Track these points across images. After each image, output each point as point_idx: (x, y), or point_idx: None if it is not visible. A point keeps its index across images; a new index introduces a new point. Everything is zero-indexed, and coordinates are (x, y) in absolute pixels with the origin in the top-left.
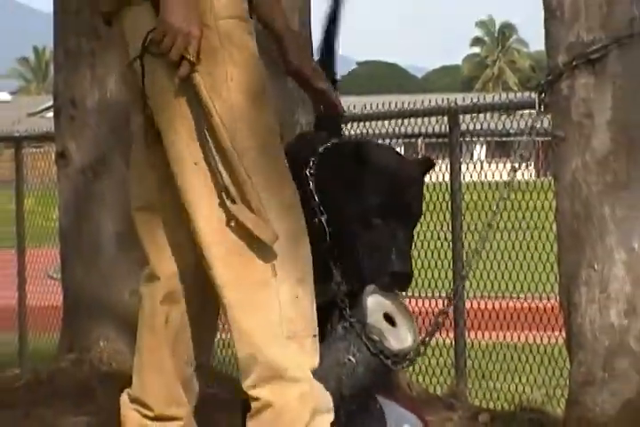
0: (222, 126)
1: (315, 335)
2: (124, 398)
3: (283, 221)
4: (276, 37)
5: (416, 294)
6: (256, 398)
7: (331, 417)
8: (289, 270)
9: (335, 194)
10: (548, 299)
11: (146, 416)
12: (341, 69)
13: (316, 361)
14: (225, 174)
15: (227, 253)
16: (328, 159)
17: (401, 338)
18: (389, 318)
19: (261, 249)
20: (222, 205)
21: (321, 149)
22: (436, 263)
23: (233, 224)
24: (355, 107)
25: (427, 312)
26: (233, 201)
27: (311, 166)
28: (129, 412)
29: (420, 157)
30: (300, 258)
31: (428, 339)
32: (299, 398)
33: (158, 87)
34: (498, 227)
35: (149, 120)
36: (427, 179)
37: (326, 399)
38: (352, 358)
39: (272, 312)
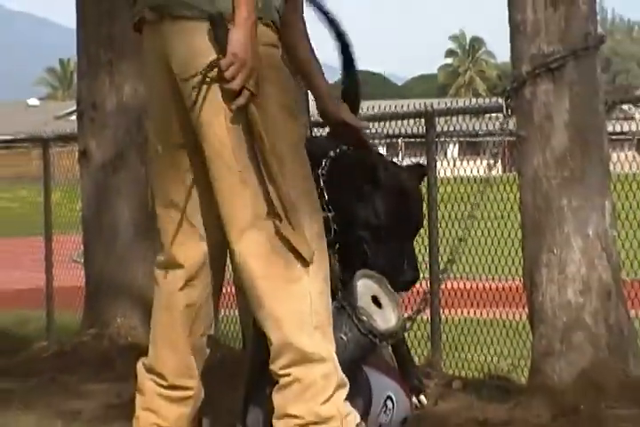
0: (267, 143)
1: (331, 324)
2: (141, 367)
3: (314, 223)
4: (303, 72)
5: None
6: (285, 375)
7: (346, 390)
8: (318, 268)
9: (344, 198)
10: (513, 280)
11: (160, 385)
12: (331, 78)
13: (334, 346)
14: (271, 190)
15: (270, 252)
16: (339, 164)
17: (386, 318)
18: (376, 300)
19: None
20: (268, 215)
21: (332, 154)
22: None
23: (277, 237)
24: None
25: None
26: (278, 217)
27: (323, 168)
28: (146, 381)
29: (415, 164)
30: (325, 257)
31: (414, 316)
32: (324, 377)
33: (210, 105)
34: (473, 216)
35: (188, 131)
36: None
37: (343, 376)
38: (344, 337)
39: (304, 304)
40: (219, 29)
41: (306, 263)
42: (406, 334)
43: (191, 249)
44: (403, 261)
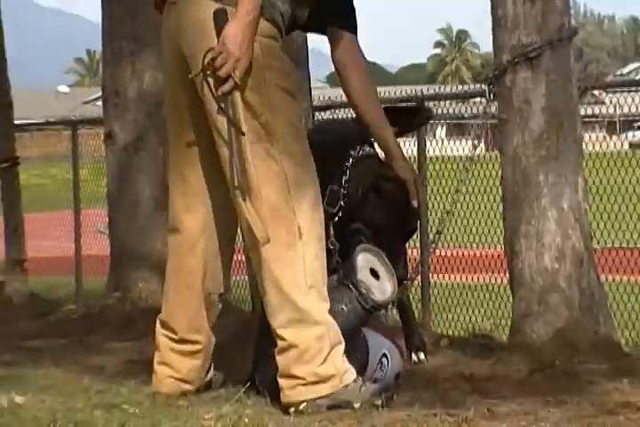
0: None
1: (325, 284)
2: (157, 325)
3: (308, 190)
4: (372, 127)
5: None
6: (282, 338)
7: (342, 346)
8: (311, 233)
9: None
10: (495, 248)
11: (172, 339)
12: (332, 68)
13: (328, 303)
14: (238, 174)
15: (270, 220)
16: (360, 164)
17: (383, 290)
18: (374, 272)
19: (289, 218)
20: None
21: (358, 153)
22: None
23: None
24: (342, 97)
25: None
26: (243, 198)
27: (350, 162)
28: (160, 337)
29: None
30: (319, 223)
31: (408, 283)
32: (317, 339)
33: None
34: (459, 191)
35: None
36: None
37: (337, 333)
38: (344, 308)
39: (298, 267)
40: (220, 20)
41: (295, 224)
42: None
43: (192, 216)
44: (396, 260)
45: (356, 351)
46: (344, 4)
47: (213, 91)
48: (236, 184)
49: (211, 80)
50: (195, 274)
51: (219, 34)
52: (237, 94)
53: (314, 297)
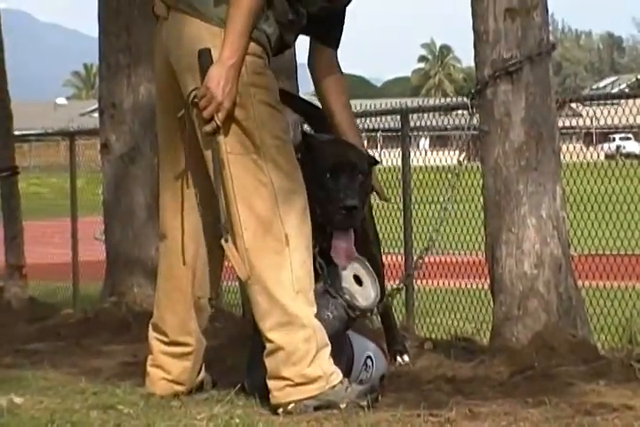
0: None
1: (312, 289)
2: (150, 329)
3: (296, 200)
4: (340, 131)
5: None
6: (271, 341)
7: (328, 349)
8: (299, 240)
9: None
10: (477, 254)
11: (163, 342)
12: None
13: (315, 308)
14: (224, 217)
15: (254, 225)
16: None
17: (366, 296)
18: (358, 279)
19: (277, 227)
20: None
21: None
22: (390, 227)
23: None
24: None
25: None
26: (226, 240)
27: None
28: (152, 340)
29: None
30: (307, 230)
31: (395, 293)
32: (304, 341)
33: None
34: (445, 209)
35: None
36: (385, 163)
37: (324, 336)
38: (330, 315)
39: (285, 272)
40: (204, 60)
41: (283, 232)
42: (393, 307)
43: (181, 222)
44: (338, 191)
45: (342, 354)
46: (337, 24)
47: (197, 127)
48: (222, 222)
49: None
50: (184, 279)
51: (203, 75)
52: (220, 137)
53: (301, 302)
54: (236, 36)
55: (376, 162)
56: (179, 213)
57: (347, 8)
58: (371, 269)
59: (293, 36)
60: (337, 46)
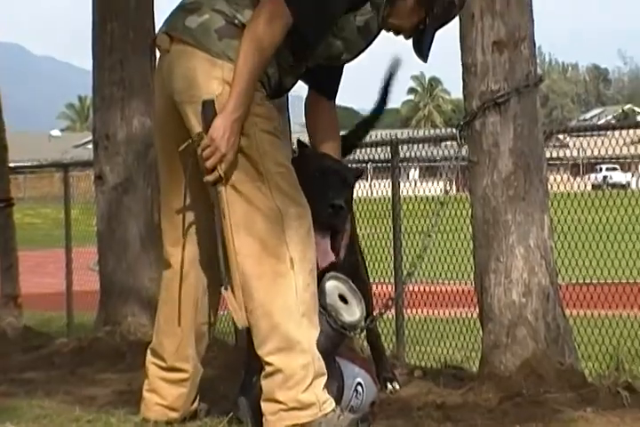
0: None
1: (317, 311)
2: (148, 354)
3: (302, 224)
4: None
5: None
6: (270, 364)
7: (324, 378)
8: (304, 264)
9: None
10: (466, 284)
11: (161, 367)
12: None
13: (318, 331)
14: (223, 267)
15: (261, 252)
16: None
17: (352, 312)
18: (343, 298)
19: (282, 250)
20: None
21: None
22: (380, 256)
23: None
24: None
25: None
26: (226, 288)
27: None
28: (150, 365)
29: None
30: (311, 254)
31: (379, 316)
32: (303, 367)
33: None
34: (429, 236)
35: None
36: (375, 194)
37: (322, 365)
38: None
39: (290, 296)
40: (209, 110)
41: (288, 256)
42: (381, 335)
43: (182, 250)
44: (326, 192)
45: (332, 380)
46: (335, 77)
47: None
48: (222, 271)
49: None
50: (184, 305)
51: (207, 126)
52: (221, 187)
53: (305, 326)
54: (242, 92)
55: (361, 174)
56: (179, 242)
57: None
58: (356, 290)
59: (292, 81)
60: (334, 97)
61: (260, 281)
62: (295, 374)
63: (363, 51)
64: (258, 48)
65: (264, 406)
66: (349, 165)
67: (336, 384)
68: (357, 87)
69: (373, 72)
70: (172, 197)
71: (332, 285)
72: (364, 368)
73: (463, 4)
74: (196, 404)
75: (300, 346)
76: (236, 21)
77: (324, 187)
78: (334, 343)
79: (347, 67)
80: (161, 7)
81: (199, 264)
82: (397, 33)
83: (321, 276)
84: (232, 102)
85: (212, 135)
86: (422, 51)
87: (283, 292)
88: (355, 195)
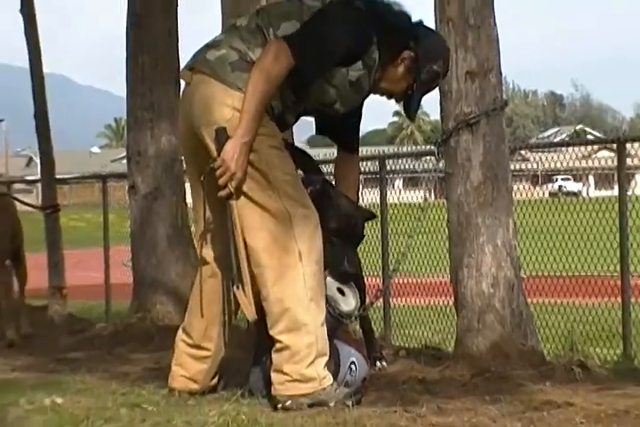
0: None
1: (323, 296)
2: (179, 331)
3: (308, 222)
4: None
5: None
6: (280, 341)
7: (326, 358)
8: (310, 257)
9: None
10: (443, 276)
11: (188, 344)
12: (312, 131)
13: (324, 314)
14: (235, 269)
15: (272, 245)
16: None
17: (348, 303)
18: (341, 290)
19: (292, 245)
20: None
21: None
22: (370, 254)
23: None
24: (320, 155)
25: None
26: (237, 287)
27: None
28: (179, 341)
29: (368, 210)
30: (317, 247)
31: (370, 306)
32: (307, 346)
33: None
34: (411, 237)
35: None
36: (366, 201)
37: (325, 346)
38: None
39: (299, 285)
40: (221, 136)
41: (297, 249)
42: (371, 320)
43: (211, 250)
44: (343, 258)
45: (330, 360)
46: (354, 136)
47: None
48: (233, 273)
49: None
50: (213, 294)
51: (220, 149)
52: (232, 202)
53: (312, 309)
54: (250, 119)
55: (374, 216)
56: (209, 243)
57: (354, 116)
58: (353, 284)
59: (293, 118)
60: (353, 150)
61: (273, 272)
62: (300, 351)
63: (355, 105)
64: (264, 82)
65: (273, 376)
66: None
67: (334, 363)
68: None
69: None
70: (201, 208)
71: (330, 280)
72: (357, 349)
73: (445, 73)
74: (215, 380)
75: (305, 328)
76: (248, 58)
77: (339, 250)
78: (332, 328)
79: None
80: (183, 43)
81: (227, 261)
82: (390, 97)
83: None
84: (241, 128)
85: (224, 157)
86: (410, 112)
87: (292, 281)
88: None
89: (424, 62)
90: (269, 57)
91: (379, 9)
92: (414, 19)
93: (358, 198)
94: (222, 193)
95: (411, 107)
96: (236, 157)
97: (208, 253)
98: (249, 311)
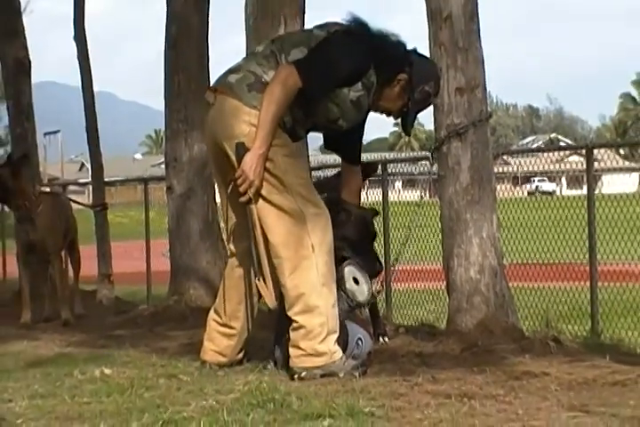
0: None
1: (334, 281)
2: (211, 311)
3: (320, 219)
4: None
5: None
6: (296, 321)
7: (336, 335)
8: (322, 248)
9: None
10: (436, 264)
11: (217, 322)
12: (321, 140)
13: (335, 296)
14: (256, 264)
15: (289, 239)
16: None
17: (362, 292)
18: (355, 280)
19: (305, 239)
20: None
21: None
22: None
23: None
24: (329, 160)
25: None
26: (259, 279)
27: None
28: (210, 320)
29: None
30: (328, 239)
31: (378, 292)
32: (320, 325)
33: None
34: (409, 229)
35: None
36: (370, 199)
37: (335, 324)
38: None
39: (313, 273)
40: (240, 150)
41: (310, 242)
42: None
43: (238, 244)
44: (372, 259)
45: (340, 336)
46: (356, 150)
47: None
48: (255, 267)
49: None
50: (240, 281)
51: (239, 161)
52: (252, 206)
53: (325, 294)
54: (265, 134)
55: (377, 213)
56: (235, 238)
57: (356, 133)
58: (364, 271)
59: (303, 132)
60: (355, 162)
61: (290, 262)
62: (314, 330)
63: (357, 121)
64: (275, 101)
65: (291, 350)
66: None
67: (343, 339)
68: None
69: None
70: (227, 207)
71: (348, 270)
72: (363, 327)
73: (437, 93)
74: (241, 354)
75: (318, 310)
76: (263, 79)
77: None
78: (348, 316)
79: None
80: (213, 65)
81: (250, 253)
82: (388, 114)
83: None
84: (258, 142)
85: (243, 167)
86: (406, 128)
87: (307, 270)
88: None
89: (417, 83)
90: (280, 80)
91: (376, 38)
92: (409, 46)
93: (360, 201)
94: (243, 199)
95: (407, 123)
96: (254, 166)
97: (234, 246)
98: (269, 300)
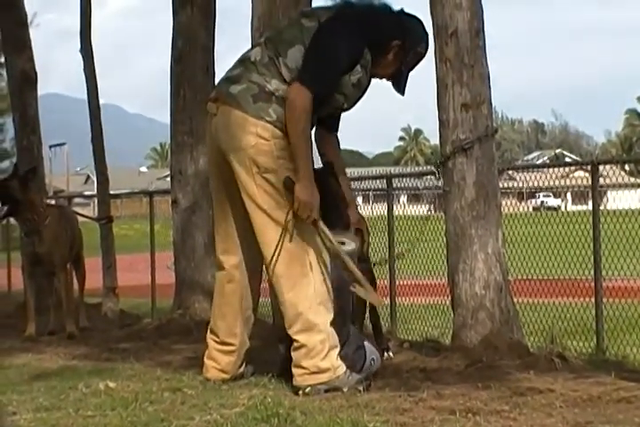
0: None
1: (331, 299)
2: (208, 332)
3: (316, 238)
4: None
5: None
6: (297, 340)
7: (337, 350)
8: (319, 266)
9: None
10: (441, 279)
11: (215, 341)
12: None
13: (332, 314)
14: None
15: (288, 260)
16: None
17: (349, 245)
18: (342, 243)
19: (303, 258)
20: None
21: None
22: (380, 256)
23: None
24: None
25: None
26: (354, 286)
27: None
28: (208, 340)
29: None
30: (325, 258)
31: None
32: (320, 342)
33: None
34: (411, 243)
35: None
36: (376, 213)
37: (335, 340)
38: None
39: (310, 290)
40: (289, 184)
41: (307, 261)
42: (380, 317)
43: (229, 257)
44: (340, 215)
45: (361, 357)
46: (338, 119)
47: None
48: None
49: (250, 168)
50: (232, 297)
51: (291, 192)
52: (321, 224)
53: (322, 311)
54: (305, 164)
55: (332, 167)
56: (227, 251)
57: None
58: (352, 236)
59: (310, 130)
60: (331, 129)
61: (288, 280)
62: (315, 348)
63: (359, 99)
64: (302, 130)
65: (294, 370)
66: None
67: (364, 359)
68: (361, 135)
69: (374, 124)
70: (222, 218)
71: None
72: (376, 348)
73: (425, 52)
74: (242, 368)
75: (317, 327)
76: (266, 89)
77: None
78: (342, 280)
79: (355, 120)
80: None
81: (243, 267)
82: (381, 77)
83: None
84: (302, 171)
85: (301, 197)
86: (400, 88)
87: (304, 288)
88: (363, 214)
89: (411, 47)
90: (293, 103)
91: (366, 16)
92: (395, 7)
93: (342, 161)
94: (309, 221)
95: (400, 83)
96: (309, 193)
97: (227, 260)
98: (376, 301)
